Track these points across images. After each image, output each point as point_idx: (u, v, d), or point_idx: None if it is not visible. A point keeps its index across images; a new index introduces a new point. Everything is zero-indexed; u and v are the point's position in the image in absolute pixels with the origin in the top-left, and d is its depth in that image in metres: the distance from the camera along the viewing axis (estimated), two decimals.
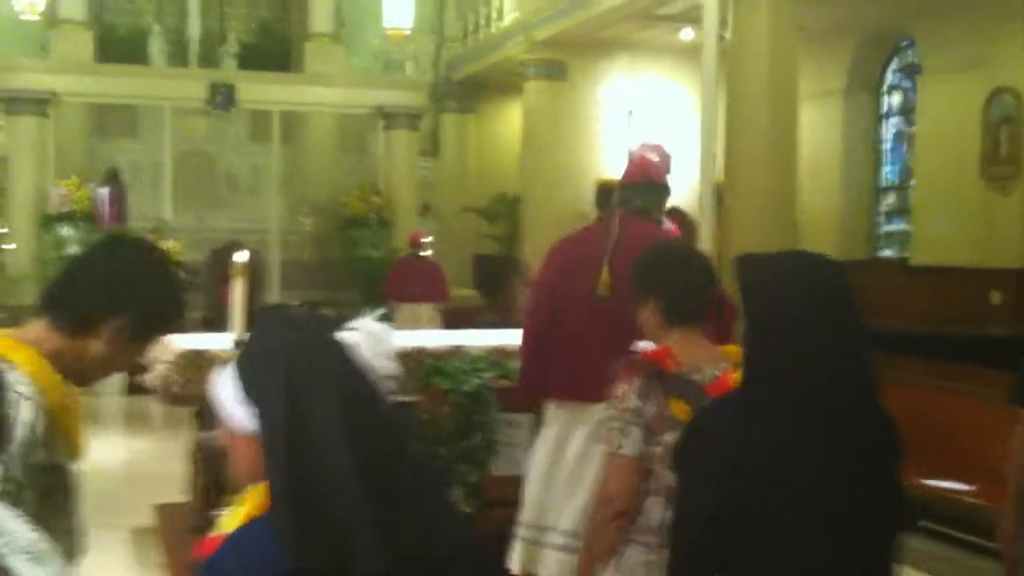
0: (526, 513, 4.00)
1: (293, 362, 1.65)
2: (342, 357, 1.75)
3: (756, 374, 2.23)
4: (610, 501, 2.78)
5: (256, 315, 1.77)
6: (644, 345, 2.95)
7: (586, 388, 3.80)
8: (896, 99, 13.84)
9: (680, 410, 2.73)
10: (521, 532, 4.02)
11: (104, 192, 13.42)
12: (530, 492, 3.98)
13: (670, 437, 2.66)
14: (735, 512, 2.15)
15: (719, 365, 2.81)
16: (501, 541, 3.98)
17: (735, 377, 2.54)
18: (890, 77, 13.91)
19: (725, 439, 2.20)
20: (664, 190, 4.47)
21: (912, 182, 13.24)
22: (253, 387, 1.66)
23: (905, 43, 13.52)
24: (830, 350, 2.19)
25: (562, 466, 3.92)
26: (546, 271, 4.35)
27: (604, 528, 2.80)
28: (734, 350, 2.80)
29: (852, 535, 2.14)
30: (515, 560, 3.98)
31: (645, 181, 4.41)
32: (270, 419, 1.62)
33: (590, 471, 3.63)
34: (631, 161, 4.76)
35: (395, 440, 1.66)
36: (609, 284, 4.01)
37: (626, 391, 2.79)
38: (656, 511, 2.77)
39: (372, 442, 1.61)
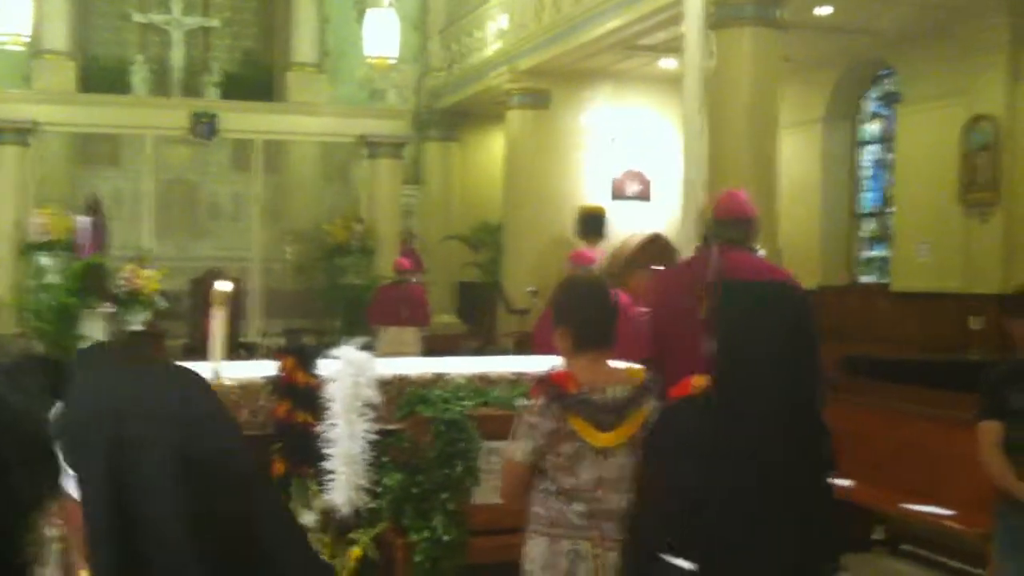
0: None
1: (115, 423, 1.35)
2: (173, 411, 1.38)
3: (724, 382, 2.61)
4: (502, 494, 3.43)
5: (77, 363, 1.48)
6: (557, 364, 3.35)
7: None
8: (875, 127, 13.96)
9: (579, 425, 3.18)
10: None
11: (85, 221, 13.38)
12: None
13: (568, 448, 3.19)
14: (697, 491, 2.55)
15: (620, 387, 3.23)
16: (483, 569, 3.97)
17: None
18: (869, 105, 14.03)
19: (692, 432, 2.64)
20: (754, 222, 4.79)
21: (891, 209, 13.34)
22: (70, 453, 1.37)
23: (884, 72, 13.65)
24: (788, 369, 2.59)
25: None
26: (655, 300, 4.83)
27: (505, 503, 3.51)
28: (638, 371, 3.31)
29: (790, 519, 2.57)
30: None
31: (737, 215, 4.74)
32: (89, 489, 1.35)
33: None
34: (722, 197, 5.04)
35: (242, 500, 1.39)
36: None
37: (530, 407, 3.23)
38: (553, 506, 3.25)
39: (213, 507, 1.34)
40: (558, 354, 3.38)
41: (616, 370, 3.33)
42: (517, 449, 3.27)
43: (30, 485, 1.22)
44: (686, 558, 2.52)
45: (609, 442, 3.21)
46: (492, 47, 15.76)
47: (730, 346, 2.62)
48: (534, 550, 3.32)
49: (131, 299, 12.80)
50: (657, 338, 4.60)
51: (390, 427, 4.54)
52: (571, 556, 3.26)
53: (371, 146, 16.36)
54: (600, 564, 3.24)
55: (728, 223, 4.68)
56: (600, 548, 3.24)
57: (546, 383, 3.22)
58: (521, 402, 3.34)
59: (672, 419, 2.81)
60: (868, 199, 14.04)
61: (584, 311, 3.35)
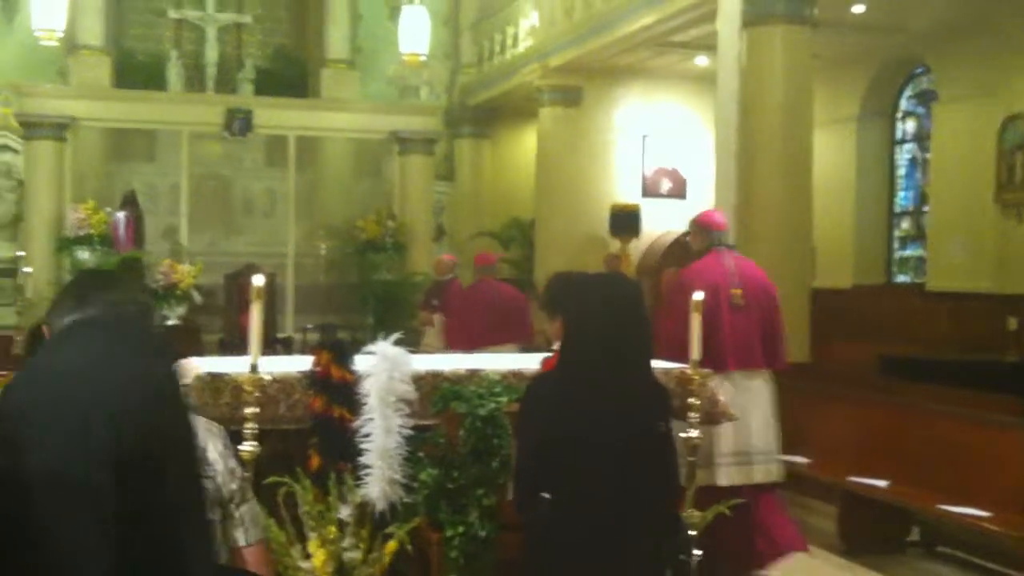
0: (728, 445, 6.05)
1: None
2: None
3: (568, 356, 3.36)
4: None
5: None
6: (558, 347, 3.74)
7: (751, 359, 6.30)
8: (910, 125, 13.85)
9: None
10: (726, 460, 6.07)
11: (121, 216, 13.49)
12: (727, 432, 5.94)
13: None
14: (552, 447, 3.24)
15: None
16: (517, 565, 3.98)
17: None
18: (904, 104, 13.93)
19: (546, 398, 3.36)
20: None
21: (926, 208, 13.24)
22: None
23: (920, 70, 13.54)
24: (620, 341, 3.25)
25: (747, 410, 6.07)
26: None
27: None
28: None
29: (631, 466, 3.22)
30: (725, 477, 6.04)
31: (725, 226, 6.75)
32: None
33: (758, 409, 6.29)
34: (715, 214, 7.04)
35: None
36: (742, 296, 6.33)
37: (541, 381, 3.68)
38: None
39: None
40: (555, 339, 3.88)
41: None
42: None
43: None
44: (545, 491, 3.26)
45: None
46: (523, 44, 15.76)
47: (574, 329, 3.40)
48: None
49: (168, 294, 12.90)
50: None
51: (425, 423, 4.57)
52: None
53: (403, 142, 16.39)
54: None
55: (720, 233, 6.55)
56: None
57: (551, 364, 3.77)
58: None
59: (534, 385, 3.61)
60: (903, 198, 13.94)
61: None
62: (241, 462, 2.22)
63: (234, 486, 2.16)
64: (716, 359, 5.78)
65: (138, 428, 1.07)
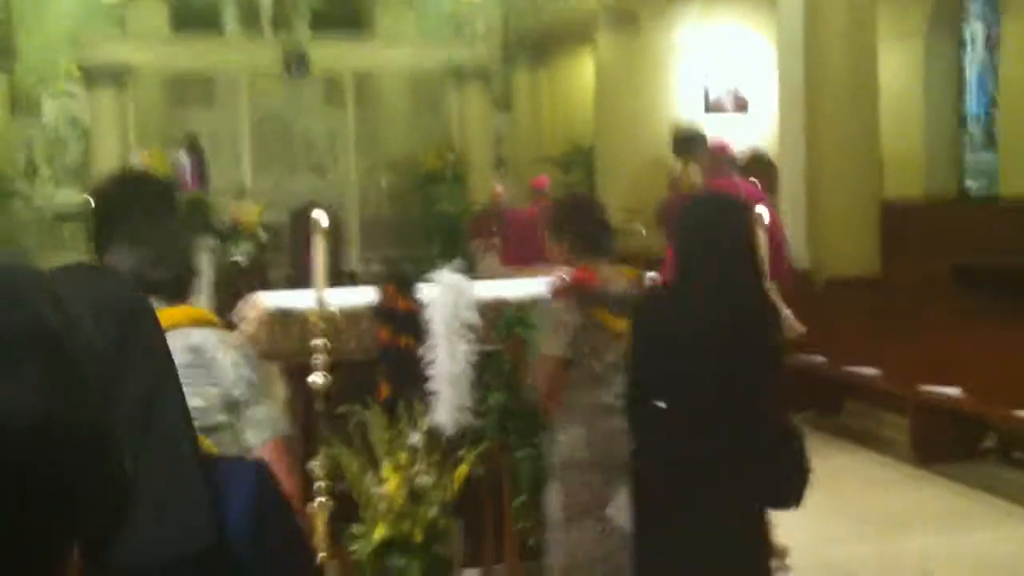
0: None
1: None
2: None
3: (683, 272, 3.40)
4: (543, 389, 3.75)
5: None
6: (564, 271, 3.73)
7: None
8: (979, 33, 13.45)
9: (602, 315, 3.69)
10: None
11: (185, 160, 13.65)
12: None
13: (595, 337, 3.68)
14: (662, 355, 3.30)
15: (621, 282, 3.76)
16: None
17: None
18: (973, 9, 13.52)
19: (662, 310, 3.41)
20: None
21: (997, 115, 12.89)
22: None
23: None
24: (732, 262, 3.31)
25: None
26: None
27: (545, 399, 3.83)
28: (631, 271, 3.92)
29: (738, 367, 3.25)
30: None
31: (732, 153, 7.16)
32: None
33: None
34: (724, 140, 7.42)
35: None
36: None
37: (555, 306, 3.68)
38: (590, 392, 3.70)
39: None
40: (558, 261, 3.85)
41: (614, 270, 3.84)
42: (555, 345, 3.66)
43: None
44: (661, 400, 3.28)
45: (624, 327, 3.57)
46: None
47: (685, 247, 3.44)
48: (577, 437, 3.68)
49: (234, 233, 13.06)
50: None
51: (490, 348, 4.59)
52: (610, 434, 3.61)
53: (459, 75, 16.32)
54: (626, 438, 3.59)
55: (733, 157, 7.05)
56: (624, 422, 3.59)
57: (571, 285, 3.67)
58: (549, 303, 3.73)
59: (646, 297, 3.70)
60: (973, 106, 13.59)
61: (581, 223, 3.87)
62: (252, 367, 2.31)
63: (242, 389, 2.25)
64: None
65: (107, 332, 1.15)
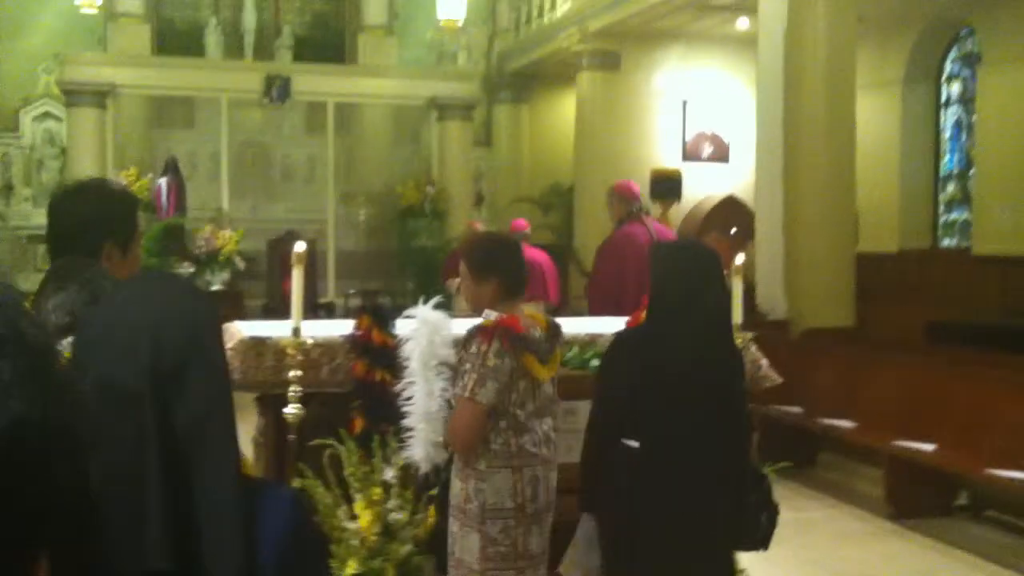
0: None
1: None
2: None
3: (657, 313, 3.57)
4: (463, 438, 3.62)
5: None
6: (489, 313, 3.66)
7: None
8: (956, 88, 13.63)
9: (530, 362, 3.59)
10: None
11: (163, 182, 13.56)
12: None
13: (523, 383, 3.59)
14: (641, 394, 3.45)
15: (538, 327, 3.68)
16: (563, 526, 3.98)
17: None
18: (949, 66, 13.69)
19: (638, 349, 3.56)
20: None
21: (972, 171, 13.03)
22: None
23: (964, 32, 13.30)
24: (704, 301, 3.48)
25: None
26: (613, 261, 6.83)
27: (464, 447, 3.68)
28: (541, 315, 3.87)
29: (712, 409, 3.43)
30: None
31: (639, 197, 7.45)
32: None
33: None
34: (632, 184, 7.69)
35: None
36: None
37: (485, 350, 3.53)
38: (511, 440, 3.60)
39: None
40: (481, 304, 3.74)
41: (530, 313, 3.80)
42: (483, 392, 3.52)
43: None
44: (633, 439, 3.40)
45: (547, 374, 3.65)
46: (561, 8, 15.63)
47: (662, 292, 3.60)
48: (498, 484, 3.59)
49: (210, 259, 12.97)
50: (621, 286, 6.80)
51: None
52: (532, 482, 3.61)
53: (441, 108, 16.35)
54: (548, 484, 3.67)
55: (639, 202, 7.39)
56: (547, 470, 3.66)
57: (498, 329, 3.56)
58: (472, 349, 3.57)
59: (624, 338, 3.80)
60: (948, 161, 13.73)
61: (508, 265, 3.76)
62: None
63: None
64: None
65: (173, 343, 1.25)
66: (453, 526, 3.62)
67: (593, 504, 3.71)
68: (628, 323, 4.33)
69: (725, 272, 3.75)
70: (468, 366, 3.56)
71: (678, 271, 3.61)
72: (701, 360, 3.46)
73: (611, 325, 4.89)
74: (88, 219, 2.73)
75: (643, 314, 3.92)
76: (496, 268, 3.73)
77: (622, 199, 7.36)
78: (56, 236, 2.79)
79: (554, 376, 3.74)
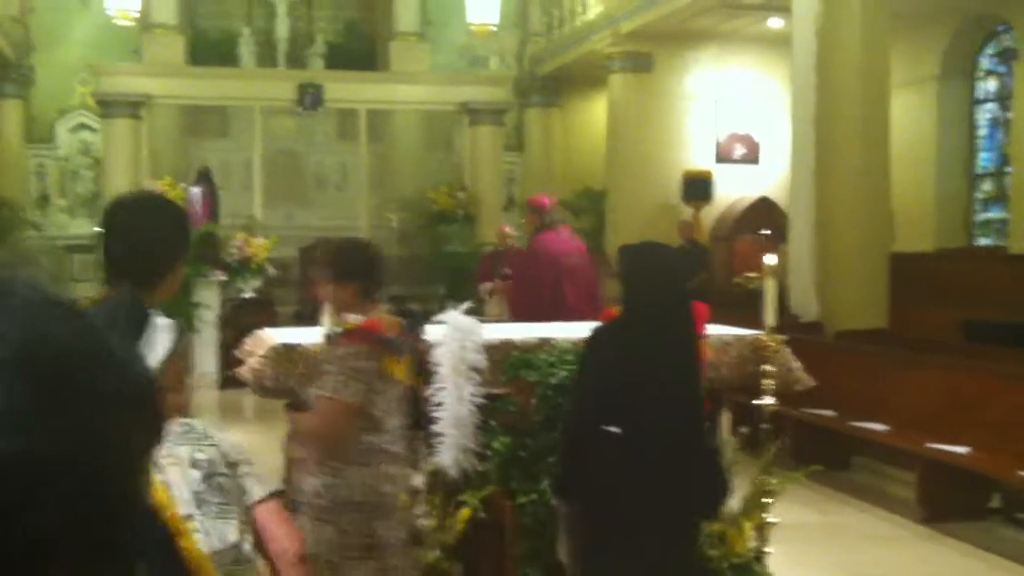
0: None
1: None
2: None
3: (630, 309, 3.87)
4: (327, 435, 3.66)
5: None
6: (352, 317, 3.70)
7: (581, 312, 6.81)
8: (992, 85, 13.48)
9: (390, 362, 3.65)
10: None
11: (196, 191, 13.66)
12: None
13: (382, 384, 3.64)
14: (616, 385, 3.70)
15: (394, 327, 3.74)
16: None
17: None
18: (985, 62, 13.55)
19: (612, 341, 3.84)
20: None
21: (1009, 169, 12.88)
22: None
23: (1001, 28, 13.15)
24: (672, 302, 3.84)
25: None
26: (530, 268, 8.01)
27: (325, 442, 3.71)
28: (394, 318, 3.83)
29: (677, 395, 3.73)
30: None
31: (550, 208, 8.14)
32: None
33: None
34: (543, 197, 8.39)
35: None
36: (575, 263, 7.86)
37: (349, 352, 3.59)
38: (369, 438, 3.63)
39: None
40: (342, 307, 3.81)
41: (385, 316, 3.83)
42: (349, 392, 3.57)
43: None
44: (613, 425, 3.62)
45: (402, 375, 3.72)
46: (593, 11, 15.61)
47: (633, 288, 3.90)
48: (356, 479, 3.63)
49: (243, 267, 13.05)
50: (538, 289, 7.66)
51: (496, 391, 4.56)
52: (388, 479, 3.66)
53: (473, 114, 16.37)
54: (402, 480, 3.74)
55: (551, 212, 8.11)
56: (400, 467, 3.72)
57: (363, 331, 3.65)
58: (338, 352, 3.62)
59: (600, 332, 3.97)
60: (984, 159, 13.58)
61: (369, 268, 3.84)
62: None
63: (240, 455, 2.34)
64: (557, 311, 6.88)
65: None
66: (306, 522, 3.60)
67: (570, 489, 3.87)
68: (602, 318, 4.48)
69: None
70: (332, 367, 3.62)
71: (642, 268, 3.93)
72: (670, 348, 3.78)
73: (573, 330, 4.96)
74: (169, 234, 2.67)
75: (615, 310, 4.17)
76: (356, 272, 3.81)
77: (534, 211, 8.14)
78: (137, 253, 2.61)
79: (406, 375, 3.82)
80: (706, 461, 3.78)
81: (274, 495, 2.38)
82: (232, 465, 2.28)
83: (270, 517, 2.35)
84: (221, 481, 2.19)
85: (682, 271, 4.09)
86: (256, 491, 2.33)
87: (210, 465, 2.18)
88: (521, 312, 7.45)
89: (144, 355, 1.23)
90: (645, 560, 3.61)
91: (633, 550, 3.62)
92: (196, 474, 2.14)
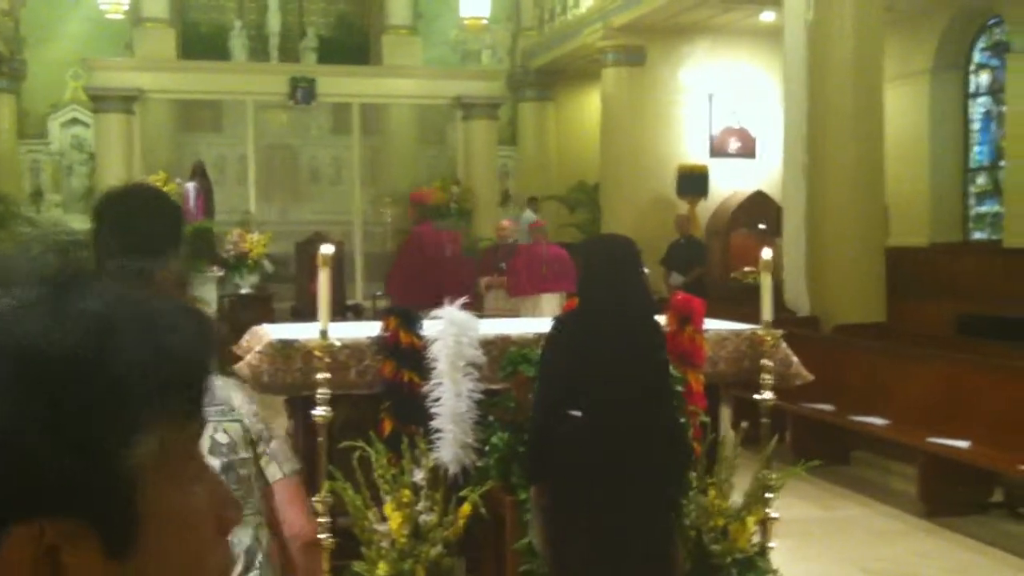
0: None
1: None
2: None
3: (587, 299, 4.00)
4: None
5: None
6: None
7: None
8: (984, 78, 13.48)
9: None
10: None
11: (191, 186, 13.63)
12: None
13: None
14: (579, 371, 3.81)
15: None
16: None
17: None
18: (978, 56, 13.55)
19: (571, 330, 3.93)
20: None
21: (1003, 163, 12.89)
22: None
23: (993, 21, 13.15)
24: (625, 288, 3.93)
25: None
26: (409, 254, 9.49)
27: None
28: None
29: (634, 376, 3.86)
30: None
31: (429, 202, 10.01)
32: None
33: None
34: (422, 193, 10.54)
35: None
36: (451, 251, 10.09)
37: None
38: None
39: None
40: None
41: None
42: None
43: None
44: (575, 410, 3.72)
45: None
46: (585, 4, 15.59)
47: (588, 278, 4.05)
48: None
49: (239, 263, 13.01)
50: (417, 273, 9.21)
51: (494, 387, 4.54)
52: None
53: (466, 108, 16.34)
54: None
55: (429, 206, 9.68)
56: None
57: None
58: None
59: (562, 320, 4.09)
60: (978, 153, 13.58)
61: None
62: (255, 404, 2.36)
63: (261, 426, 2.29)
64: (435, 295, 7.32)
65: None
66: None
67: (540, 475, 3.95)
68: (565, 307, 4.75)
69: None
70: None
71: (600, 259, 4.04)
72: (626, 332, 3.90)
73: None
74: (171, 224, 2.61)
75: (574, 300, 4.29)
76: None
77: (415, 206, 9.72)
78: (153, 239, 2.51)
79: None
80: (666, 434, 3.89)
81: (295, 472, 2.35)
82: (253, 443, 2.25)
83: (286, 498, 2.32)
84: (240, 472, 2.16)
85: (633, 259, 4.08)
86: (274, 470, 2.30)
87: (230, 450, 2.15)
88: (402, 297, 8.97)
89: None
90: (616, 541, 3.67)
91: (604, 532, 3.68)
92: (216, 463, 2.10)
